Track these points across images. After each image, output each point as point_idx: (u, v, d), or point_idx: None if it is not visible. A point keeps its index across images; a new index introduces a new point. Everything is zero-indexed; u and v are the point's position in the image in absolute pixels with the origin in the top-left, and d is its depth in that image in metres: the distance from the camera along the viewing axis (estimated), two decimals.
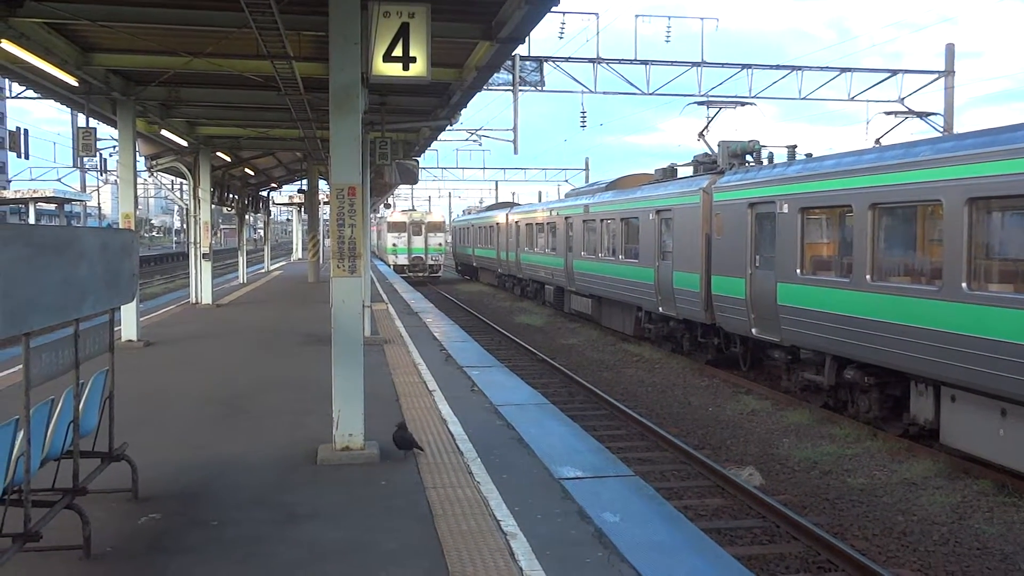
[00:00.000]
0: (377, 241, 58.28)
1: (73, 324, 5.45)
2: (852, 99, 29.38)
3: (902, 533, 8.67)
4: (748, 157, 17.49)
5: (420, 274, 45.45)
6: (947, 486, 9.93)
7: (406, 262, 45.93)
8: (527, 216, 33.85)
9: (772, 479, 10.55)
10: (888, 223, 11.91)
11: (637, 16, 27.72)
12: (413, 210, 50.86)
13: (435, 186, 76.93)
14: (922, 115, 16.69)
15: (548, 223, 29.93)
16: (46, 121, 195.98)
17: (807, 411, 13.51)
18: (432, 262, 46.52)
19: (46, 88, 14.83)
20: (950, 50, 29.32)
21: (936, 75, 29.19)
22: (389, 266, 46.58)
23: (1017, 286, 9.68)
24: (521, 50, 24.21)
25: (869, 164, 11.99)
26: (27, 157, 44.36)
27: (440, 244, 47.45)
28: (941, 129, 20.75)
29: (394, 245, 46.71)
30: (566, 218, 27.43)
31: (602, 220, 23.81)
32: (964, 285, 10.00)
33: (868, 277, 11.86)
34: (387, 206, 58.63)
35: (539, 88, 27.50)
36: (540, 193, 71.63)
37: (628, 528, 5.99)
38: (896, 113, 16.55)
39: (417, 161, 25.52)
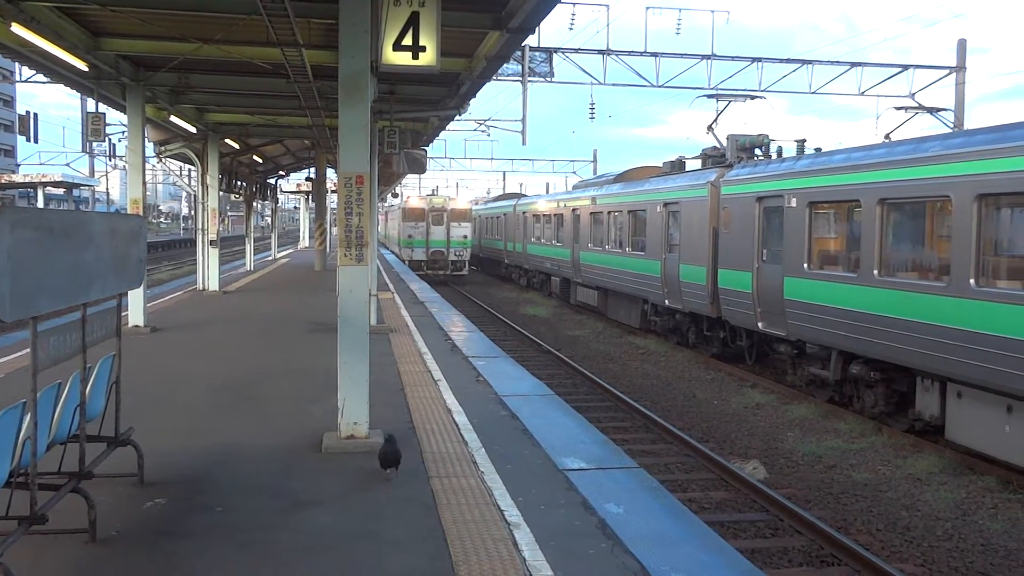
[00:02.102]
0: (385, 231, 57.54)
1: (80, 308, 5.46)
2: (862, 94, 29.28)
3: (906, 528, 8.66)
4: (757, 151, 17.46)
5: (440, 272, 38.14)
6: (951, 482, 9.92)
7: (423, 257, 38.29)
8: (534, 207, 33.81)
9: (776, 473, 10.55)
10: (896, 218, 11.88)
11: (647, 8, 27.57)
12: (433, 195, 42.10)
13: (443, 176, 77.08)
14: (932, 110, 16.64)
15: (555, 214, 29.90)
16: (55, 106, 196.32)
17: (812, 405, 13.49)
18: (455, 257, 38.72)
19: (56, 72, 14.83)
20: (961, 45, 29.18)
21: (947, 71, 29.06)
22: (404, 262, 39.08)
23: None
24: (531, 41, 24.25)
25: (878, 159, 11.95)
26: (36, 141, 44.50)
27: (465, 236, 38.97)
28: (951, 125, 20.67)
29: (409, 237, 38.71)
30: (573, 210, 27.40)
31: (609, 212, 23.78)
32: (972, 281, 9.96)
33: (876, 272, 11.83)
34: (395, 195, 57.91)
35: (548, 79, 27.45)
36: (548, 184, 71.62)
37: (632, 520, 6.00)
38: (906, 108, 16.50)
39: (425, 151, 25.45)
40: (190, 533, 5.61)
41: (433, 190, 45.20)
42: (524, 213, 35.16)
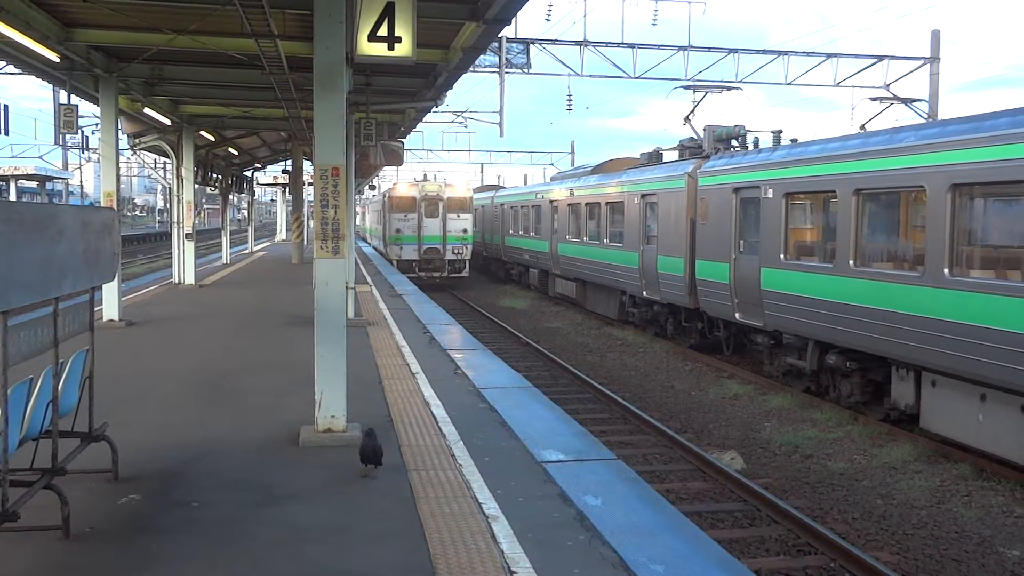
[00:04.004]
0: (365, 226, 56.91)
1: (52, 303, 5.39)
2: (838, 85, 29.44)
3: (881, 517, 8.74)
4: (733, 142, 17.51)
5: (436, 274, 31.95)
6: (926, 470, 10.02)
7: (415, 256, 31.81)
8: (512, 199, 33.76)
9: (754, 463, 10.61)
10: (872, 209, 11.95)
11: None
12: (425, 180, 34.07)
13: (420, 168, 76.62)
14: (907, 101, 16.75)
15: (533, 206, 29.88)
16: (26, 97, 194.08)
17: (789, 395, 13.58)
18: (453, 256, 32.13)
19: (27, 63, 14.60)
20: (935, 36, 29.37)
21: (921, 61, 29.25)
22: (391, 262, 32.61)
23: (998, 272, 9.75)
24: (508, 32, 24.18)
25: (854, 150, 12.02)
26: (7, 134, 43.95)
27: (465, 231, 32.37)
28: (926, 115, 20.81)
29: (397, 232, 32.08)
30: (551, 201, 27.40)
31: (587, 204, 23.80)
32: (946, 271, 10.05)
33: (851, 263, 11.90)
34: (371, 187, 57.39)
35: (525, 70, 27.42)
36: (526, 176, 71.50)
37: (610, 511, 6.00)
38: (881, 99, 16.60)
39: (402, 142, 25.38)
40: (166, 529, 5.56)
41: (423, 175, 36.29)
42: (502, 205, 35.09)
